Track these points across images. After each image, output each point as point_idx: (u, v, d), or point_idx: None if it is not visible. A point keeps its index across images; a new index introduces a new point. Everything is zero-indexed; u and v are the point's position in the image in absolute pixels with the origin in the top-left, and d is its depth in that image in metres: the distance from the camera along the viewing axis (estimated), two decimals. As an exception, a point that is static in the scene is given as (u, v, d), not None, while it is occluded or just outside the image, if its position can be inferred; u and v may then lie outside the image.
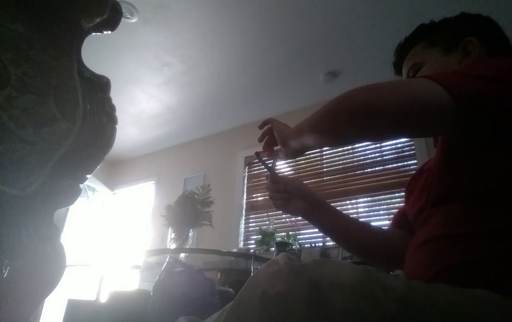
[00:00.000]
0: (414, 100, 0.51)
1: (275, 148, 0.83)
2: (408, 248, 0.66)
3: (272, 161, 0.90)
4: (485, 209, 0.53)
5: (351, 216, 0.95)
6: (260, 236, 2.92)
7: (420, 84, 0.52)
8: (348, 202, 2.92)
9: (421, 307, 0.40)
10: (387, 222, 2.61)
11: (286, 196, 0.84)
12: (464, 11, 0.77)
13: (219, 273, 2.40)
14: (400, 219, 0.84)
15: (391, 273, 0.49)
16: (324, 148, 3.17)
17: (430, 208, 0.63)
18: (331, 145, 0.78)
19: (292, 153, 0.75)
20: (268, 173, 0.87)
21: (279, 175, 0.87)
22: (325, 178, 3.08)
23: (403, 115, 0.51)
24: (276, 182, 0.85)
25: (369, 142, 2.94)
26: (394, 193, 2.68)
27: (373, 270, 0.43)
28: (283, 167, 3.36)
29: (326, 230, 0.86)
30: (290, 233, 2.86)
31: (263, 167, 0.93)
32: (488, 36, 0.71)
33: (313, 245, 2.77)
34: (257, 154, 0.92)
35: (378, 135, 0.62)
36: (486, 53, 0.69)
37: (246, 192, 3.44)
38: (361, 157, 2.96)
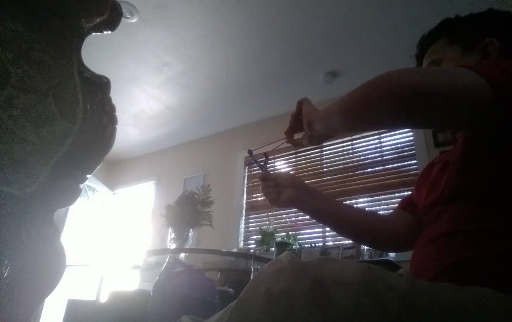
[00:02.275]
0: (462, 88, 0.48)
1: (296, 136, 0.79)
2: (417, 244, 0.67)
3: (264, 159, 0.92)
4: (493, 208, 0.54)
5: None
6: (260, 236, 2.92)
7: (465, 74, 0.50)
8: (348, 202, 2.92)
9: (424, 305, 0.40)
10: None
11: (278, 189, 0.84)
12: (491, 8, 0.74)
13: (219, 273, 2.40)
14: (407, 203, 0.84)
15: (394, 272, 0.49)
16: (324, 148, 3.17)
17: (442, 205, 0.63)
18: (361, 130, 0.75)
19: (316, 138, 0.71)
20: (260, 170, 0.89)
21: (270, 172, 0.88)
22: (325, 178, 3.08)
23: (448, 103, 0.48)
24: (267, 179, 0.86)
25: (369, 142, 2.94)
26: (394, 193, 2.68)
27: (377, 268, 0.44)
28: (283, 167, 3.36)
29: (318, 214, 0.85)
30: (290, 233, 2.85)
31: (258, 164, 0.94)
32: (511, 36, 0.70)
33: (313, 245, 2.77)
34: (250, 152, 0.94)
35: (416, 121, 0.57)
36: (506, 55, 0.67)
37: (246, 192, 3.44)
38: (361, 157, 2.96)
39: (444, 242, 0.57)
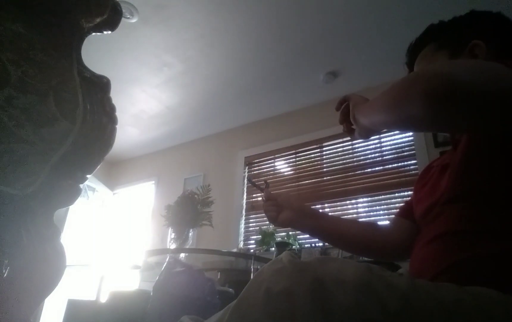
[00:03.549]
0: (504, 85, 0.43)
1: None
2: (416, 244, 0.67)
3: (265, 183, 1.01)
4: (493, 208, 0.54)
5: (350, 217, 0.97)
6: (260, 236, 2.92)
7: (502, 68, 0.45)
8: (348, 202, 2.92)
9: (424, 305, 0.40)
10: (387, 222, 2.61)
11: (277, 208, 0.91)
12: (474, 9, 0.75)
13: (219, 273, 2.40)
14: (406, 210, 0.84)
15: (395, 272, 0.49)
16: (324, 148, 3.17)
17: (441, 206, 0.63)
18: (399, 128, 0.72)
19: (364, 132, 0.68)
20: (261, 192, 0.98)
21: (272, 192, 0.96)
22: (325, 178, 3.08)
23: (495, 100, 0.43)
24: (269, 199, 0.93)
25: (369, 142, 2.94)
26: (394, 193, 2.68)
27: (377, 268, 0.44)
28: (283, 167, 3.36)
29: (316, 234, 0.90)
30: (290, 233, 2.85)
31: (262, 169, 1.02)
32: (497, 36, 0.70)
33: (313, 244, 2.77)
34: (249, 179, 1.08)
35: (454, 123, 0.48)
36: (495, 55, 0.67)
37: (246, 192, 3.44)
38: (361, 157, 2.95)
39: (444, 242, 0.57)
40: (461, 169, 0.60)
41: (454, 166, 0.63)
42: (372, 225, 0.92)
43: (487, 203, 0.55)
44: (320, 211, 0.94)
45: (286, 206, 0.89)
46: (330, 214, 0.96)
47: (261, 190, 0.98)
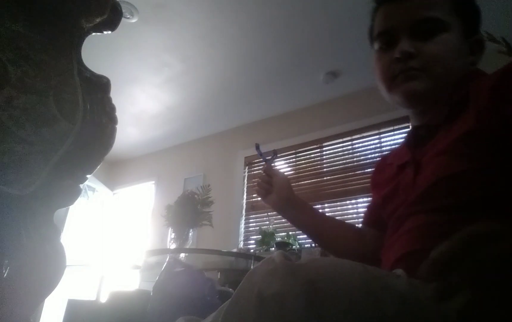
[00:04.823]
0: None
1: None
2: (384, 255, 0.65)
3: (272, 155, 0.99)
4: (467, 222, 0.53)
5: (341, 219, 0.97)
6: (260, 236, 2.92)
7: None
8: (348, 202, 2.91)
9: (422, 306, 0.39)
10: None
11: (268, 187, 0.90)
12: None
13: (219, 273, 2.40)
14: (372, 217, 0.84)
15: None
16: (324, 148, 3.17)
17: (409, 208, 0.61)
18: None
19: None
20: (265, 163, 0.97)
21: (273, 168, 0.94)
22: (325, 178, 3.08)
23: None
24: (267, 173, 0.92)
25: (369, 142, 2.94)
26: (394, 193, 2.68)
27: (372, 268, 0.42)
28: (283, 166, 3.36)
29: (297, 226, 0.90)
30: (290, 233, 2.85)
31: (261, 159, 1.01)
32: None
33: (313, 245, 2.77)
34: (257, 146, 1.04)
35: None
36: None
37: (246, 192, 3.44)
38: (361, 157, 2.95)
39: (413, 262, 0.55)
40: (451, 179, 0.56)
41: (430, 165, 0.60)
42: (352, 231, 0.90)
43: (458, 215, 0.53)
44: (311, 207, 0.93)
45: (276, 190, 0.88)
46: (322, 212, 0.97)
47: (265, 161, 0.97)
